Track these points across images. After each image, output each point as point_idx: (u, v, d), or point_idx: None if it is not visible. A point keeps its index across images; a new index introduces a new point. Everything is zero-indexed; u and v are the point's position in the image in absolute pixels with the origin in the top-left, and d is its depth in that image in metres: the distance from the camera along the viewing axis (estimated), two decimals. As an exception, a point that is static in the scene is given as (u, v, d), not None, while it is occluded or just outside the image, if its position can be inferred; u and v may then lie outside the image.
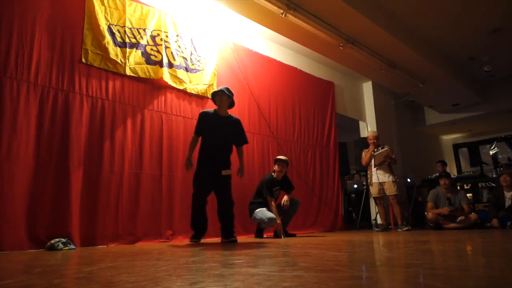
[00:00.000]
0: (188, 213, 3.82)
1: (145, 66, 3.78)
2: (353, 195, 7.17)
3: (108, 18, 3.59)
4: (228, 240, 3.26)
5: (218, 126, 3.37)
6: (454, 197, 5.21)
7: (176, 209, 3.75)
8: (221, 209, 3.32)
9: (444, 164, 7.07)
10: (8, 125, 2.81)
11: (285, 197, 4.11)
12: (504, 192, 5.13)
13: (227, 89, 3.46)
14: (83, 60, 3.34)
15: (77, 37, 3.35)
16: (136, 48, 3.76)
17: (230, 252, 2.23)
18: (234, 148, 3.55)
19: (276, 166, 4.16)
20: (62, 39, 3.24)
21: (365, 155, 5.43)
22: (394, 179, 5.18)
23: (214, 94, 3.47)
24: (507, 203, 5.00)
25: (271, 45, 5.53)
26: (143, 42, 3.83)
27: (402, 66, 6.19)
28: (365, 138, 6.51)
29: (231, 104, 3.51)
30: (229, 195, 3.34)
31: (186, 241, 3.53)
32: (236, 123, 3.50)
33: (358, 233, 4.71)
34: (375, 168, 5.28)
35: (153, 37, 3.93)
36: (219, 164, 3.31)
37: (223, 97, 3.40)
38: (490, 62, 6.60)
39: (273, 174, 4.19)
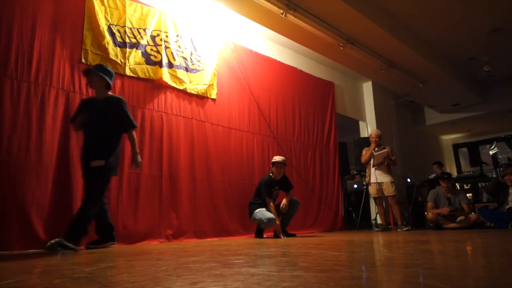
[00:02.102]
0: (188, 213, 3.82)
1: (144, 66, 3.78)
2: (353, 195, 7.16)
3: (108, 18, 3.59)
4: (56, 242, 2.47)
5: (92, 112, 2.85)
6: (454, 197, 5.21)
7: (176, 209, 3.75)
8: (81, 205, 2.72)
9: (440, 165, 7.04)
10: (8, 125, 2.81)
11: (284, 201, 4.07)
12: (509, 189, 5.11)
13: (100, 67, 2.90)
14: (83, 60, 3.34)
15: (77, 37, 3.35)
16: (136, 48, 3.76)
17: (230, 252, 2.23)
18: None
19: (274, 168, 4.14)
20: (62, 39, 3.24)
21: (365, 153, 5.45)
22: (392, 180, 5.20)
23: (85, 74, 2.92)
24: (511, 203, 4.98)
25: (271, 45, 5.53)
26: (143, 42, 3.83)
27: (402, 66, 6.19)
28: (365, 138, 6.52)
29: (108, 85, 2.91)
30: (92, 191, 2.71)
31: (186, 241, 3.53)
32: (114, 103, 2.89)
33: (358, 233, 4.71)
34: (374, 168, 5.29)
35: (153, 37, 3.93)
36: (90, 155, 2.78)
37: (92, 78, 2.87)
38: (490, 62, 6.60)
39: (271, 174, 4.18)
